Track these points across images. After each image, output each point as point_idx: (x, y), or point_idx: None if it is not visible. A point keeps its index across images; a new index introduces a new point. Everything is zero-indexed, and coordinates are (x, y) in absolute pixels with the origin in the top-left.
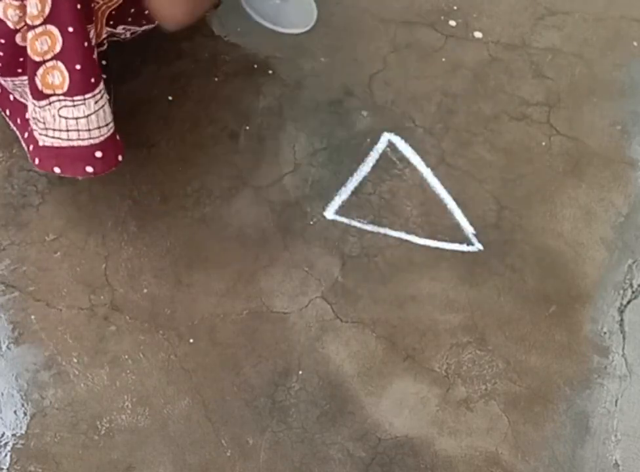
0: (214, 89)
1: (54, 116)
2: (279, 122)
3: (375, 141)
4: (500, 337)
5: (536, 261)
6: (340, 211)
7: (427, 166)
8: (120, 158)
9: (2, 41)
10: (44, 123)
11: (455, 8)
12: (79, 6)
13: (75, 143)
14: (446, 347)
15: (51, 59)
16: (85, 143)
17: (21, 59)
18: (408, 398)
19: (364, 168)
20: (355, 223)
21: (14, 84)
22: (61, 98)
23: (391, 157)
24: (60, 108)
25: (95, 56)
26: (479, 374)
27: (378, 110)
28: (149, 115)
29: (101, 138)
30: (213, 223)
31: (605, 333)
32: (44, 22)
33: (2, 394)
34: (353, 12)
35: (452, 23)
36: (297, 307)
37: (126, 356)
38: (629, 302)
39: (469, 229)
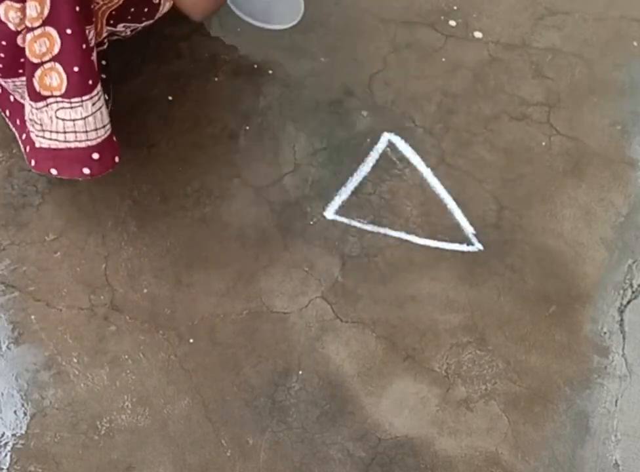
0: (213, 89)
1: (51, 117)
2: (279, 122)
3: (375, 141)
4: (500, 337)
5: (536, 261)
6: (340, 211)
7: (427, 166)
8: (117, 159)
9: (4, 43)
10: (41, 125)
11: (455, 8)
12: (77, 8)
13: (72, 145)
14: (446, 347)
15: (49, 61)
16: (82, 145)
17: (22, 60)
18: (408, 398)
19: (364, 168)
20: (355, 223)
21: (15, 85)
22: (59, 99)
23: (391, 157)
24: (57, 110)
25: (93, 57)
26: (479, 374)
27: (378, 110)
28: (149, 114)
29: (99, 140)
30: (213, 223)
31: (605, 333)
32: (43, 24)
33: (2, 394)
34: (353, 12)
35: (452, 23)
36: (297, 307)
37: (126, 356)
38: (629, 302)
39: (469, 229)
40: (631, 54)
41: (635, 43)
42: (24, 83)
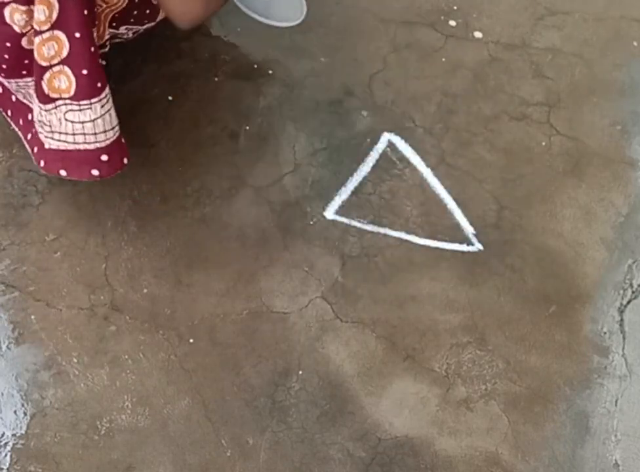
0: (213, 89)
1: (60, 119)
2: (279, 122)
3: (375, 141)
4: (500, 337)
5: (536, 261)
6: (340, 211)
7: (427, 166)
8: (125, 161)
9: (8, 44)
10: (50, 126)
11: (455, 8)
12: (86, 12)
13: (81, 147)
14: (446, 347)
15: (58, 64)
16: (91, 146)
17: (26, 61)
18: (408, 398)
19: (364, 168)
20: (355, 223)
21: (18, 86)
22: (68, 101)
23: (391, 157)
24: (66, 112)
25: (101, 60)
26: (479, 374)
27: (378, 110)
28: (149, 114)
29: (107, 142)
30: (213, 223)
31: (605, 333)
32: (52, 28)
33: (2, 394)
34: (353, 12)
35: (452, 23)
36: (297, 307)
37: (126, 356)
38: (629, 302)
39: (469, 229)
40: (631, 54)
41: (635, 43)
42: (27, 84)
